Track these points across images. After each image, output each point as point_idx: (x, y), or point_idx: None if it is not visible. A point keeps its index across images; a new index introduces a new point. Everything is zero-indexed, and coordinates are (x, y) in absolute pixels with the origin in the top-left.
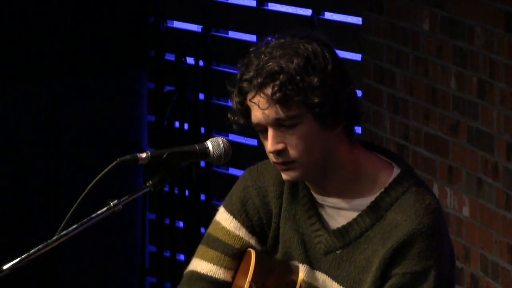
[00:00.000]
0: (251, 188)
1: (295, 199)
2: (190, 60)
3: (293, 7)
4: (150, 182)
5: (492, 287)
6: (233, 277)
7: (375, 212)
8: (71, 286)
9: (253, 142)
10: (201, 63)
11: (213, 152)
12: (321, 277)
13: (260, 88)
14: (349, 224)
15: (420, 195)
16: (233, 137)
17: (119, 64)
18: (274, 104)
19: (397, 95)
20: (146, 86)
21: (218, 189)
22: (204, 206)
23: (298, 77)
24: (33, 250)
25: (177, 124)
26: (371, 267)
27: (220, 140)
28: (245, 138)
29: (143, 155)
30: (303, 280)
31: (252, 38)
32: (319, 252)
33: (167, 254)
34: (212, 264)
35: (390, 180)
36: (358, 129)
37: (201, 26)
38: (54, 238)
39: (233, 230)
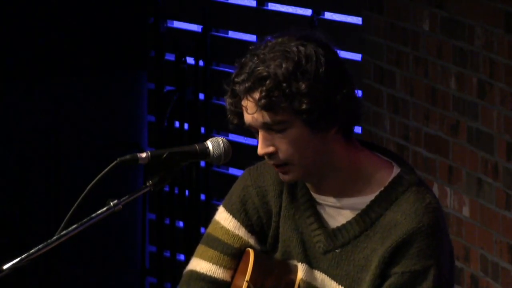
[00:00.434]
0: (251, 187)
1: (294, 199)
2: (190, 60)
3: (293, 7)
4: (150, 182)
5: (492, 287)
6: (232, 277)
7: (374, 211)
8: (71, 286)
9: (253, 142)
10: (201, 63)
11: (213, 152)
12: (320, 276)
13: (248, 93)
14: (349, 223)
15: (420, 194)
16: (233, 137)
17: (119, 64)
18: (260, 109)
19: (397, 95)
20: (146, 86)
21: (218, 189)
22: (204, 206)
23: (285, 84)
24: (33, 250)
25: (177, 124)
26: (370, 266)
27: (220, 140)
28: (245, 138)
29: (143, 155)
30: (302, 279)
31: (252, 38)
32: (318, 251)
33: (167, 254)
34: (211, 264)
35: (390, 179)
36: (358, 129)
37: (201, 26)
38: (54, 238)
39: (233, 230)
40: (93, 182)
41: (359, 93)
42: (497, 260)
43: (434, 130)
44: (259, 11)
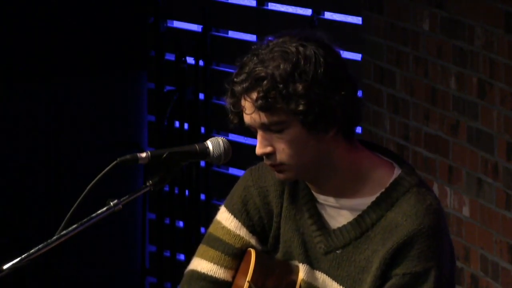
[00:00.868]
0: (252, 188)
1: (296, 199)
2: (190, 60)
3: (293, 7)
4: (150, 182)
5: (492, 287)
6: (233, 277)
7: (375, 212)
8: (71, 286)
9: (253, 142)
10: (201, 63)
11: (213, 152)
12: (321, 276)
13: (246, 93)
14: (350, 224)
15: (421, 196)
16: (233, 137)
17: (119, 64)
18: (257, 110)
19: (397, 95)
20: (146, 86)
21: (218, 189)
22: (204, 206)
23: (281, 85)
24: (33, 250)
25: (177, 124)
26: (371, 267)
27: (220, 140)
28: (245, 138)
29: (143, 155)
30: (303, 279)
31: (252, 38)
32: (319, 252)
33: (167, 254)
34: (212, 264)
35: (391, 180)
36: (358, 129)
37: (201, 26)
38: (54, 238)
39: (234, 230)
40: (93, 182)
41: (359, 93)
42: (497, 260)
43: (434, 130)
44: (259, 11)
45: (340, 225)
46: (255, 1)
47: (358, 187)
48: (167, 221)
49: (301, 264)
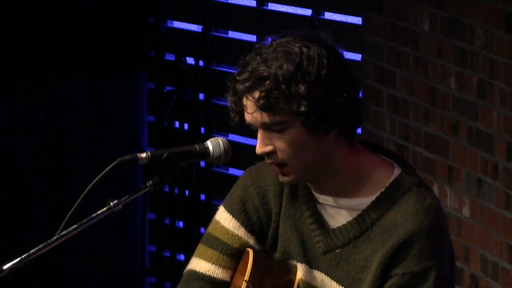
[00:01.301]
0: (251, 187)
1: (295, 198)
2: (190, 60)
3: (293, 7)
4: (150, 182)
5: (492, 287)
6: (232, 277)
7: (375, 211)
8: (71, 286)
9: (253, 142)
10: (201, 63)
11: (213, 152)
12: (320, 276)
13: (248, 92)
14: (349, 223)
15: (421, 195)
16: (233, 137)
17: (119, 64)
18: (259, 109)
19: (397, 95)
20: (146, 86)
21: (218, 189)
22: (204, 206)
23: (284, 85)
24: (33, 250)
25: (177, 124)
26: (371, 266)
27: (220, 140)
28: (245, 138)
29: (143, 155)
30: (301, 279)
31: (252, 38)
32: (318, 251)
33: (167, 254)
34: (210, 264)
35: (391, 180)
36: (358, 129)
37: (201, 26)
38: (54, 238)
39: (232, 230)
40: (93, 182)
41: (361, 95)
42: (497, 260)
43: (434, 130)
44: (259, 11)
45: (339, 224)
46: (255, 1)
47: (358, 187)
48: (167, 221)
49: (299, 263)
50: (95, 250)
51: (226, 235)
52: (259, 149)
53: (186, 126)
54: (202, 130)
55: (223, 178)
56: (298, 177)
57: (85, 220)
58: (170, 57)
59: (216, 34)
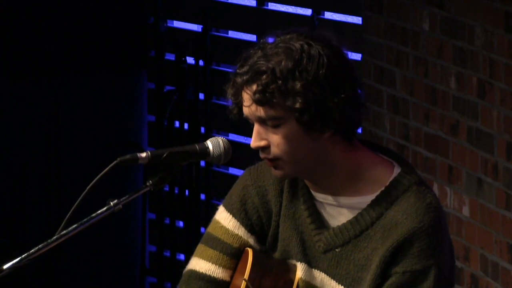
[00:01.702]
0: (251, 187)
1: (295, 198)
2: (190, 60)
3: (293, 7)
4: (150, 182)
5: (492, 287)
6: (232, 277)
7: (375, 210)
8: (71, 286)
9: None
10: (201, 63)
11: (213, 151)
12: (320, 275)
13: (246, 85)
14: (349, 222)
15: (421, 194)
16: (233, 137)
17: (119, 64)
18: (254, 103)
19: (397, 95)
20: (146, 86)
21: (218, 189)
22: (204, 206)
23: (281, 80)
24: (33, 250)
25: (177, 124)
26: (371, 265)
27: (220, 140)
28: (245, 138)
29: (143, 155)
30: (301, 278)
31: (252, 38)
32: (318, 251)
33: (167, 254)
34: (210, 263)
35: (391, 178)
36: (358, 129)
37: (201, 26)
38: (54, 238)
39: (232, 229)
40: (93, 182)
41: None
42: (497, 260)
43: (434, 130)
44: (259, 11)
45: (339, 223)
46: (255, 1)
47: (358, 186)
48: (167, 221)
49: (299, 262)
50: (95, 250)
51: (226, 234)
52: (254, 143)
53: (186, 126)
54: (202, 130)
55: (223, 178)
56: (290, 173)
57: (85, 220)
58: (170, 57)
59: (216, 34)
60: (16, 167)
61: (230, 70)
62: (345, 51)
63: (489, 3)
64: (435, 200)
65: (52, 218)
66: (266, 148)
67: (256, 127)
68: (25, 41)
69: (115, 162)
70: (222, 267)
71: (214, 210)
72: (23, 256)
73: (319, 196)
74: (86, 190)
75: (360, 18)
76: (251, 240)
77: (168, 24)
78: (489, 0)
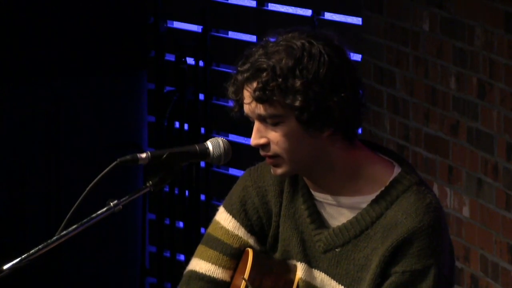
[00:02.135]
0: (251, 188)
1: (295, 198)
2: (190, 60)
3: (293, 7)
4: (150, 182)
5: (492, 287)
6: (232, 277)
7: (375, 210)
8: (71, 286)
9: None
10: (201, 63)
11: (213, 152)
12: (320, 275)
13: (246, 82)
14: (349, 222)
15: (421, 194)
16: (233, 137)
17: (119, 64)
18: (255, 100)
19: (397, 95)
20: (146, 86)
21: (218, 189)
22: (204, 206)
23: (281, 78)
24: (33, 250)
25: (177, 124)
26: (371, 265)
27: (220, 140)
28: (245, 139)
29: (143, 155)
30: (301, 278)
31: (252, 38)
32: (318, 251)
33: (167, 254)
34: (210, 264)
35: (391, 178)
36: (359, 129)
37: (201, 26)
38: (54, 238)
39: (232, 230)
40: (93, 182)
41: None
42: (497, 260)
43: (434, 130)
44: (259, 11)
45: (339, 223)
46: (255, 2)
47: (357, 186)
48: (167, 221)
49: (299, 263)
50: (95, 250)
51: (226, 235)
52: (254, 141)
53: (186, 126)
54: (202, 130)
55: (223, 178)
56: (289, 170)
57: (85, 220)
58: (170, 57)
59: (216, 34)
60: (16, 167)
61: (230, 70)
62: (347, 51)
63: (489, 3)
64: (435, 200)
65: (52, 218)
66: (266, 146)
67: (256, 125)
68: (25, 41)
69: (115, 162)
70: (222, 268)
71: (214, 210)
72: (23, 256)
73: (319, 196)
74: (86, 191)
75: (360, 19)
76: (251, 241)
77: (168, 25)
78: (489, 0)
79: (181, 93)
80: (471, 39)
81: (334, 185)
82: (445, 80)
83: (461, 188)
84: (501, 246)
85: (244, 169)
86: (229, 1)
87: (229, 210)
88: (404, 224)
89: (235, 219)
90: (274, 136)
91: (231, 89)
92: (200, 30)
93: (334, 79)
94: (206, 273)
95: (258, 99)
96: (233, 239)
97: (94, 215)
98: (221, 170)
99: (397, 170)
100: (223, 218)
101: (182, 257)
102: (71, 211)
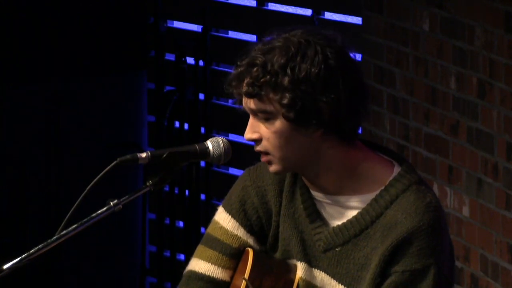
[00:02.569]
0: (250, 187)
1: (294, 197)
2: (190, 60)
3: (293, 7)
4: (150, 182)
5: (492, 287)
6: (232, 277)
7: (375, 209)
8: (71, 286)
9: (253, 142)
10: (201, 63)
11: (213, 152)
12: (320, 275)
13: (240, 77)
14: (349, 221)
15: (420, 193)
16: (233, 137)
17: (119, 64)
18: (244, 95)
19: (397, 95)
20: (146, 86)
21: (218, 189)
22: (204, 206)
23: (270, 75)
24: (33, 250)
25: (177, 124)
26: (370, 264)
27: (220, 140)
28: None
29: (143, 155)
30: (301, 278)
31: (252, 38)
32: (318, 250)
33: (167, 254)
34: (210, 264)
35: (391, 178)
36: (358, 130)
37: (201, 26)
38: (54, 238)
39: (232, 230)
40: (93, 182)
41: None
42: (497, 260)
43: (434, 130)
44: (259, 11)
45: (339, 222)
46: (255, 1)
47: (357, 185)
48: (167, 221)
49: (299, 262)
50: (95, 250)
51: (225, 235)
52: (247, 135)
53: (186, 126)
54: (202, 130)
55: (223, 178)
56: (282, 168)
57: (85, 220)
58: (170, 57)
59: (216, 34)
60: (16, 167)
61: (230, 70)
62: (350, 52)
63: (489, 3)
64: (435, 199)
65: (52, 218)
66: (259, 141)
67: (251, 119)
68: (26, 41)
69: (115, 162)
70: (222, 268)
71: (214, 210)
72: (23, 256)
73: (319, 196)
74: (86, 190)
75: (360, 18)
76: (250, 241)
77: (168, 24)
78: (489, 0)
79: (181, 93)
80: (471, 39)
81: (333, 185)
82: (445, 80)
83: (461, 188)
84: (501, 246)
85: (244, 169)
86: (229, 1)
87: (229, 210)
88: (404, 223)
89: (234, 219)
90: (266, 132)
91: (232, 84)
92: (200, 30)
93: (326, 80)
94: (206, 273)
95: (247, 94)
96: (233, 239)
97: (94, 214)
98: (221, 170)
99: (397, 170)
100: (223, 218)
101: (182, 257)
102: (71, 211)
